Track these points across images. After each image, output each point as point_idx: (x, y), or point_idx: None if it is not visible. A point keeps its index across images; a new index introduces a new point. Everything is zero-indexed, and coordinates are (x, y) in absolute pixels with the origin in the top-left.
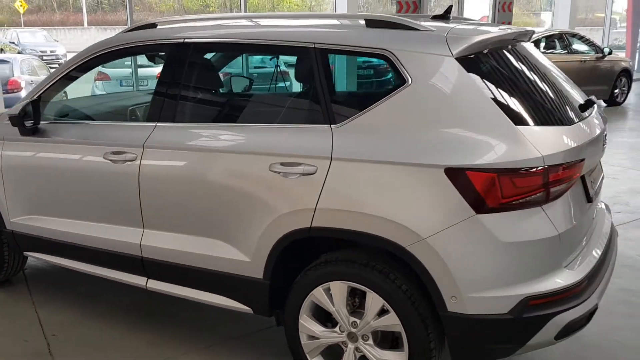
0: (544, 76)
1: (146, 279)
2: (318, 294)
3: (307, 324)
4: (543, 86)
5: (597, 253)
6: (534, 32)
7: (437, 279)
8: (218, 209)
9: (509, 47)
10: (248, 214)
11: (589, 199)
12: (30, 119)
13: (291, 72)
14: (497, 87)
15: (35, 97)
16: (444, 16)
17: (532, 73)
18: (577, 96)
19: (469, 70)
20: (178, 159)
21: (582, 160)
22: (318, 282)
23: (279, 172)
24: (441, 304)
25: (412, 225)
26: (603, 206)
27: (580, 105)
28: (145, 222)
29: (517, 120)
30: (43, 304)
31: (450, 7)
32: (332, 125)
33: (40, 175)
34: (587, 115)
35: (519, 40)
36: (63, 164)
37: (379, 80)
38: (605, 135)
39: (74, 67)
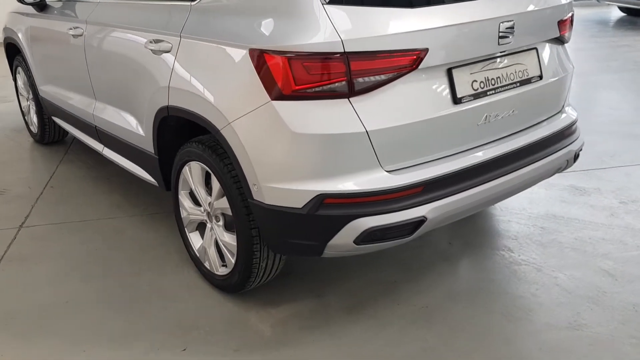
0: None
1: (102, 146)
2: (185, 172)
3: (183, 200)
4: None
5: (463, 164)
6: None
7: (243, 166)
8: (125, 83)
9: None
10: (139, 89)
11: (457, 101)
12: None
13: None
14: None
15: None
16: None
17: None
18: None
19: None
20: (102, 34)
21: (418, 50)
22: (182, 161)
23: (151, 49)
24: (248, 192)
25: (223, 108)
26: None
27: None
28: (95, 94)
29: None
30: (67, 163)
31: None
32: (192, 3)
33: (43, 47)
34: None
35: None
36: (51, 37)
37: None
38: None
39: None
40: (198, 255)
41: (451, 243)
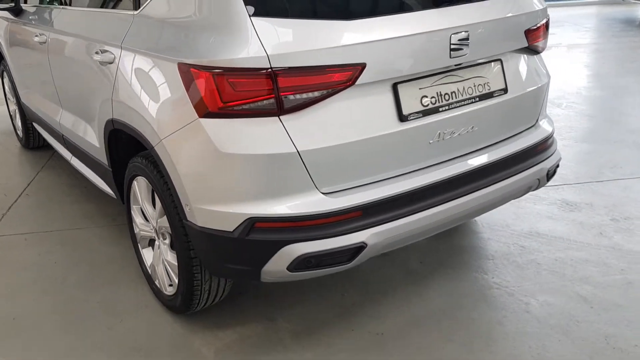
0: None
1: (70, 155)
2: (134, 187)
3: (134, 215)
4: None
5: (409, 186)
6: None
7: (175, 185)
8: (80, 93)
9: None
10: (90, 99)
11: (403, 118)
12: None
13: None
14: None
15: None
16: None
17: None
18: None
19: None
20: (62, 42)
21: (353, 66)
22: (130, 175)
23: (97, 60)
24: (182, 212)
25: (155, 124)
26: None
27: None
28: (61, 102)
29: (263, 10)
30: (49, 169)
31: None
32: (134, 12)
33: (19, 53)
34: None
35: None
36: (24, 44)
37: None
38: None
39: None
40: (150, 272)
41: (422, 262)
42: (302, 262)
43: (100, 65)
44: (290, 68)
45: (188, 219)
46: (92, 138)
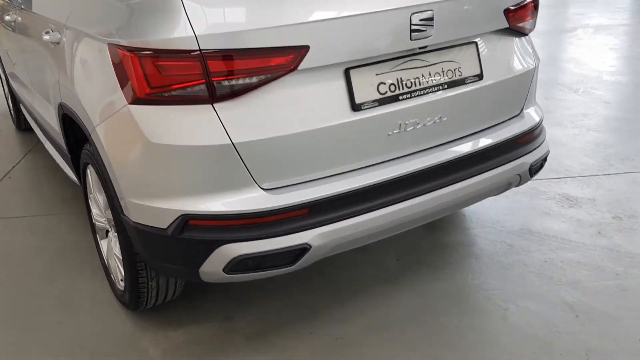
0: None
1: (44, 138)
2: (87, 176)
3: (91, 204)
4: None
5: (362, 182)
6: None
7: (111, 177)
8: (39, 75)
9: None
10: (46, 82)
11: (356, 107)
12: None
13: None
14: None
15: None
16: None
17: None
18: None
19: None
20: (26, 22)
21: (294, 48)
22: (83, 163)
23: (47, 40)
24: (119, 206)
25: (90, 109)
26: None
27: None
28: (32, 84)
29: None
30: (36, 152)
31: None
32: None
33: (1, 31)
34: None
35: None
36: (5, 22)
37: None
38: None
39: None
40: (107, 264)
41: (399, 260)
42: (239, 264)
43: (50, 46)
44: (221, 50)
45: (124, 213)
46: (53, 122)
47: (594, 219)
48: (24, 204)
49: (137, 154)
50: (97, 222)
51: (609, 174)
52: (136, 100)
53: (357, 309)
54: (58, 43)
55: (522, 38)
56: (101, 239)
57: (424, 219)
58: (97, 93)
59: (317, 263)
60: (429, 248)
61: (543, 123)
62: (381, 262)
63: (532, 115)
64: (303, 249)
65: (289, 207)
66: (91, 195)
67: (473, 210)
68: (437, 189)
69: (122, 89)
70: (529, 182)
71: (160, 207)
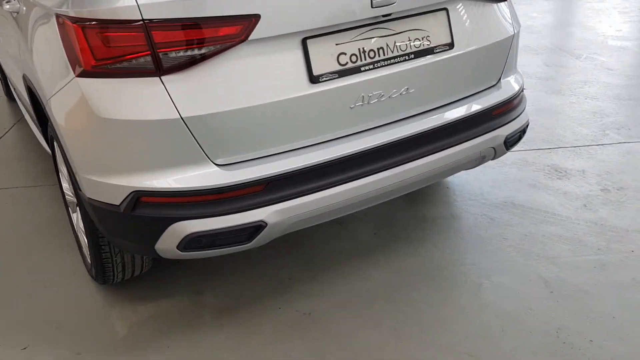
0: None
1: (25, 111)
2: (55, 148)
3: (61, 178)
4: None
5: (322, 157)
6: None
7: (65, 151)
8: (9, 44)
9: None
10: (12, 52)
11: (314, 79)
12: None
13: None
14: None
15: None
16: None
17: None
18: None
19: None
20: None
21: (243, 17)
22: (50, 135)
23: (8, 9)
24: (76, 181)
25: (43, 82)
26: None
27: None
28: (7, 55)
29: None
30: (24, 122)
31: None
32: None
33: None
34: None
35: None
36: None
37: None
38: None
39: None
40: (77, 238)
41: (377, 234)
42: (193, 242)
43: (12, 15)
44: (166, 20)
45: (80, 189)
46: (25, 93)
47: (581, 191)
48: (8, 175)
49: (86, 128)
50: (67, 196)
51: (602, 144)
52: (83, 73)
53: (328, 284)
54: (17, 12)
55: (500, 4)
56: (73, 213)
57: (390, 194)
58: (50, 65)
59: (293, 236)
60: (408, 221)
61: (523, 92)
62: (357, 237)
63: (510, 85)
64: (258, 227)
65: (243, 184)
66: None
67: (457, 183)
68: (403, 163)
69: (69, 61)
70: (518, 153)
71: (112, 183)
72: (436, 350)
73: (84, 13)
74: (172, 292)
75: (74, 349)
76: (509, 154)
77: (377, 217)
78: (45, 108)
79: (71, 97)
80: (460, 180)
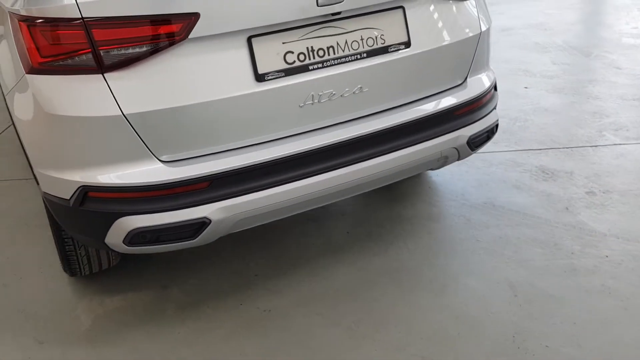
0: None
1: None
2: None
3: None
4: None
5: (268, 155)
6: None
7: (22, 145)
8: None
9: None
10: None
11: (259, 78)
12: None
13: None
14: None
15: None
16: None
17: None
18: None
19: None
20: None
21: (182, 16)
22: None
23: None
24: (34, 176)
25: (4, 76)
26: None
27: None
28: None
29: None
30: None
31: None
32: None
33: None
34: None
35: None
36: None
37: None
38: None
39: None
40: None
41: (349, 232)
42: (137, 237)
43: None
44: (106, 18)
45: (38, 182)
46: None
47: (565, 194)
48: (8, 168)
49: (37, 124)
50: None
51: (596, 146)
52: (32, 70)
53: (293, 282)
54: None
55: (465, 2)
56: None
57: (342, 193)
58: (7, 62)
59: (265, 233)
60: (383, 221)
61: (494, 91)
62: (331, 235)
63: (478, 84)
64: (202, 223)
65: (187, 180)
66: None
67: (440, 182)
68: (355, 163)
69: (20, 58)
70: (507, 154)
71: (62, 177)
72: (388, 350)
73: (33, 11)
74: (140, 286)
75: (38, 338)
76: (497, 154)
77: (352, 215)
78: (6, 103)
79: (24, 93)
80: (444, 179)
